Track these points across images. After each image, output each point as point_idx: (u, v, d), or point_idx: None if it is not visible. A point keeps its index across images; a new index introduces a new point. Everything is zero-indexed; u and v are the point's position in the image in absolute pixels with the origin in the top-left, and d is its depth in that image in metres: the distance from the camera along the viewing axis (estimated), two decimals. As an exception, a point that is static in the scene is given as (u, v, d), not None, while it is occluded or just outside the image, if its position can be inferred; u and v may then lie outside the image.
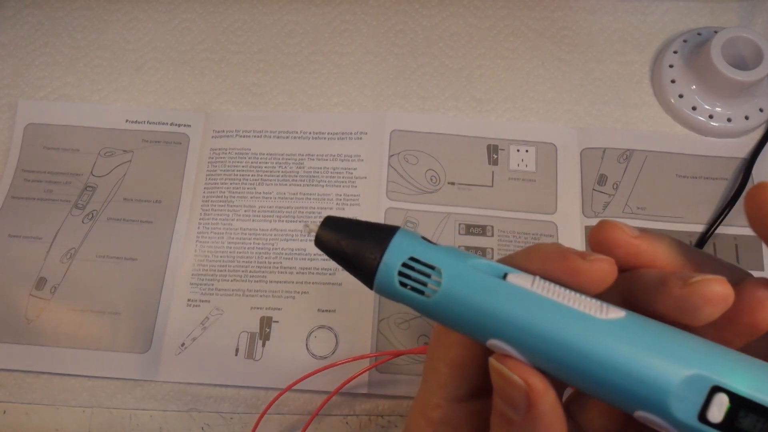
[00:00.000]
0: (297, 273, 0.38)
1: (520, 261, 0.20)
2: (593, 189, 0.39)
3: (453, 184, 0.40)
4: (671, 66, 0.42)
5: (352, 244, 0.20)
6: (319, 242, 0.21)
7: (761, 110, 0.41)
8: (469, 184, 0.39)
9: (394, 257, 0.20)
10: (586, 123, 0.42)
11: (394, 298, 0.20)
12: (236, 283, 0.38)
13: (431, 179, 0.39)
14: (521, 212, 0.39)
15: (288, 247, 0.38)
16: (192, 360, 0.36)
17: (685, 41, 0.43)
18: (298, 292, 0.37)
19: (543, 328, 0.18)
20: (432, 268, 0.19)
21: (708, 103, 0.41)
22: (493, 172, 0.40)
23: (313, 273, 0.38)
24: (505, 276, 0.19)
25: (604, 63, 0.44)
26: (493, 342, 0.19)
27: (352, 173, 0.40)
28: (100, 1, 0.45)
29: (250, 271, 0.38)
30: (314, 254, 0.38)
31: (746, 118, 0.41)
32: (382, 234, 0.20)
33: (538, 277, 0.19)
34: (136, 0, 0.45)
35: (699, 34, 0.43)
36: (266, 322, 0.37)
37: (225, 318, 0.37)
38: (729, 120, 0.41)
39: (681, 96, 0.41)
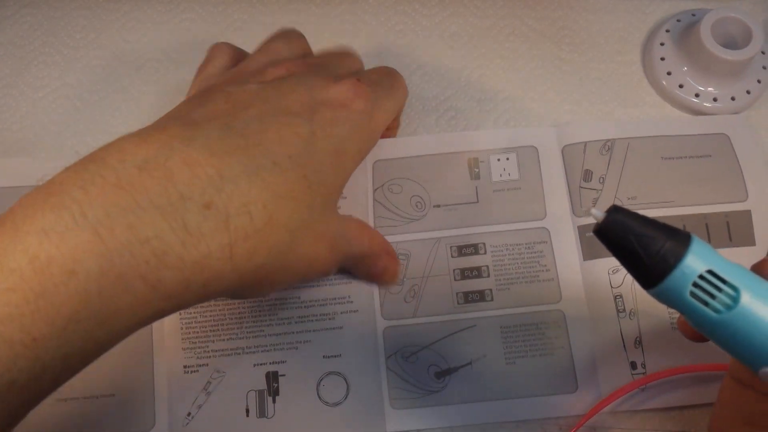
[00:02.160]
0: (295, 322, 0.37)
1: None
2: (580, 186, 0.39)
3: (438, 206, 0.39)
4: (662, 44, 0.42)
5: (644, 242, 0.19)
6: (602, 232, 0.20)
7: (748, 92, 0.41)
8: (454, 204, 0.39)
9: (692, 266, 0.19)
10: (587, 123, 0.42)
11: (675, 304, 0.20)
12: (233, 341, 0.36)
13: (416, 205, 0.39)
14: (511, 223, 0.39)
15: (280, 297, 0.37)
16: (202, 429, 0.35)
17: (678, 21, 0.43)
18: (300, 342, 0.36)
19: None
20: (725, 282, 0.19)
21: (696, 82, 0.41)
22: (476, 187, 0.39)
23: (311, 320, 0.37)
24: None
25: (605, 63, 0.43)
26: None
27: None
28: (99, 0, 0.45)
29: (246, 327, 0.37)
30: (309, 301, 0.37)
31: (732, 99, 0.41)
32: (677, 238, 0.19)
33: None
34: (135, 0, 0.45)
35: (693, 14, 0.43)
36: (273, 377, 0.36)
37: (228, 379, 0.36)
38: (715, 99, 0.41)
39: (669, 73, 0.42)
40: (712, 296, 0.19)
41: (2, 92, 0.43)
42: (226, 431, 0.35)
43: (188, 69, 0.43)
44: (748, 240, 0.38)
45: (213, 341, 0.36)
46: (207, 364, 0.36)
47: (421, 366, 0.36)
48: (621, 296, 0.37)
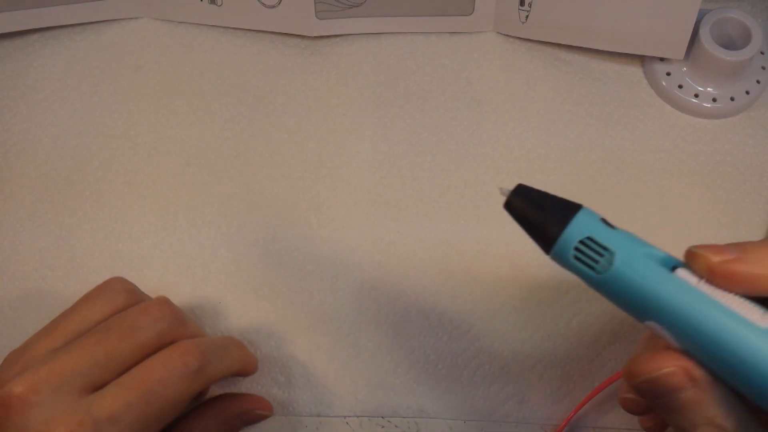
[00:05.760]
0: None
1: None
2: None
3: None
4: None
5: (538, 215, 0.23)
6: (509, 207, 0.24)
7: (747, 92, 0.41)
8: None
9: (573, 234, 0.22)
10: (586, 123, 0.42)
11: (566, 267, 0.23)
12: None
13: None
14: None
15: None
16: None
17: None
18: None
19: (702, 323, 0.20)
20: (606, 249, 0.22)
21: (696, 82, 0.41)
22: None
23: None
24: (673, 269, 0.22)
25: (605, 63, 0.43)
26: (650, 324, 0.22)
27: None
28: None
29: None
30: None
31: (732, 99, 0.41)
32: (565, 210, 0.23)
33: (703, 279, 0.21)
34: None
35: None
36: None
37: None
38: (714, 100, 0.41)
39: (669, 74, 0.42)
40: (596, 261, 0.22)
41: (2, 93, 0.43)
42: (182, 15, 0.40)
43: (188, 70, 0.43)
44: None
45: None
46: None
47: None
48: None
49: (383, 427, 0.36)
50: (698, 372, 0.21)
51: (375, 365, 0.36)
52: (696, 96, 0.41)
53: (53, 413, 0.26)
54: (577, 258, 0.22)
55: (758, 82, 0.42)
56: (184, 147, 0.41)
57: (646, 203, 0.40)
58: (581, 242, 0.22)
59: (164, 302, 0.31)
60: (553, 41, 0.43)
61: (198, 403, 0.34)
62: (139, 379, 0.28)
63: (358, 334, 0.37)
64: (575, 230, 0.22)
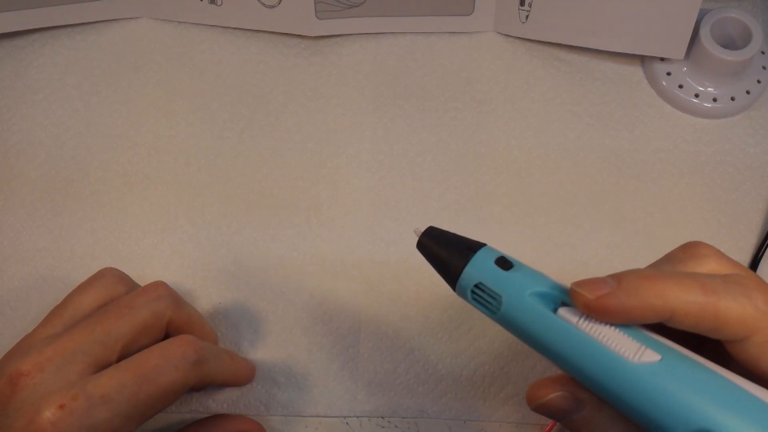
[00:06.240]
0: None
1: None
2: None
3: None
4: None
5: (443, 256, 0.25)
6: (420, 247, 0.25)
7: (748, 92, 0.41)
8: None
9: (467, 279, 0.24)
10: (586, 123, 0.42)
11: (470, 304, 0.24)
12: None
13: None
14: None
15: None
16: None
17: None
18: None
19: (578, 363, 0.22)
20: (492, 291, 0.23)
21: (696, 82, 0.41)
22: None
23: None
24: (561, 304, 0.23)
25: (605, 63, 0.43)
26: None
27: None
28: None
29: None
30: None
31: (732, 99, 0.41)
32: (465, 254, 0.24)
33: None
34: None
35: None
36: None
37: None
38: (715, 100, 0.41)
39: (669, 74, 0.42)
40: (487, 301, 0.23)
41: (2, 93, 0.43)
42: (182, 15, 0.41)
43: (188, 70, 0.43)
44: None
45: None
46: None
47: None
48: None
49: (383, 427, 0.36)
50: (585, 395, 0.23)
51: (375, 365, 0.36)
52: (696, 96, 0.41)
53: (52, 389, 0.27)
54: (475, 298, 0.24)
55: (759, 81, 0.42)
56: (184, 147, 0.41)
57: (646, 203, 0.40)
58: (476, 285, 0.24)
59: (160, 284, 0.32)
60: (553, 41, 0.43)
61: (192, 421, 0.34)
62: (136, 364, 0.29)
63: (358, 334, 0.37)
64: (471, 272, 0.24)
